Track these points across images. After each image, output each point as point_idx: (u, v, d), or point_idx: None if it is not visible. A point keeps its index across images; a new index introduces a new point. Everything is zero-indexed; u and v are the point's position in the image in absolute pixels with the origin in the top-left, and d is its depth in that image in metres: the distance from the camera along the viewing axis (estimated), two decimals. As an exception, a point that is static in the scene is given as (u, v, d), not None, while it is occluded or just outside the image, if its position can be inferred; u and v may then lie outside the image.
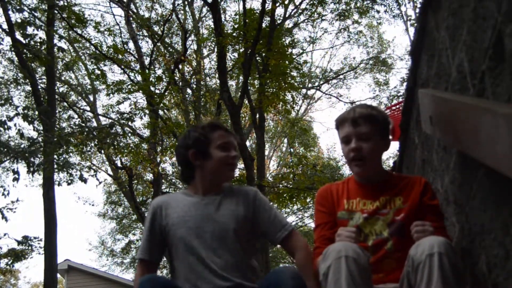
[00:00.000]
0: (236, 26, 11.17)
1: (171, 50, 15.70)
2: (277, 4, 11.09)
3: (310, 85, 18.79)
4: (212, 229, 1.89)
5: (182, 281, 1.86)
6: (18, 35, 9.46)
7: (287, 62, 11.41)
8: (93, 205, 19.40)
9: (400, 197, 1.77)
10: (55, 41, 10.80)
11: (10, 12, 9.24)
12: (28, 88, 12.80)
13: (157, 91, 11.72)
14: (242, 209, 1.95)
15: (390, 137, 1.86)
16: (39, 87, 11.12)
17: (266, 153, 17.76)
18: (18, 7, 8.52)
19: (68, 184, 9.85)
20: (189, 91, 15.31)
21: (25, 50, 9.49)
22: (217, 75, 11.89)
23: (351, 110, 1.83)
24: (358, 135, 1.77)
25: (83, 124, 11.10)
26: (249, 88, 11.17)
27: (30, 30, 9.18)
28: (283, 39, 12.47)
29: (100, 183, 11.45)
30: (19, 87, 14.00)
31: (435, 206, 1.76)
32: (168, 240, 1.95)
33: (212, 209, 1.94)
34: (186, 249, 1.88)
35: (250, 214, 1.96)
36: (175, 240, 1.91)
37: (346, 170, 17.03)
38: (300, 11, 14.34)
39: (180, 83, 14.43)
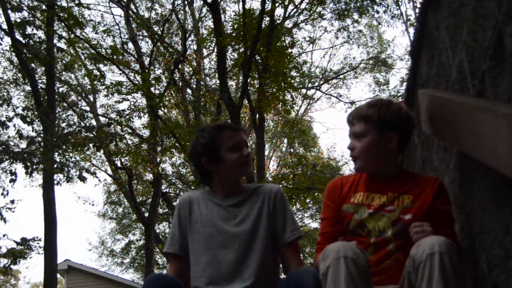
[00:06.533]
0: (236, 26, 11.16)
1: (171, 50, 15.70)
2: (277, 4, 11.08)
3: (310, 85, 18.78)
4: (231, 232, 1.89)
5: (199, 277, 1.87)
6: (17, 35, 9.45)
7: (286, 62, 11.39)
8: (93, 205, 19.43)
9: (410, 196, 1.75)
10: (55, 41, 10.78)
11: (9, 11, 9.21)
12: (28, 88, 12.79)
13: (157, 91, 11.71)
14: (263, 208, 1.94)
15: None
16: (39, 87, 11.11)
17: (266, 153, 17.75)
18: (17, 7, 8.50)
19: (68, 182, 9.85)
20: (189, 91, 15.31)
21: (24, 50, 9.47)
22: (217, 75, 11.88)
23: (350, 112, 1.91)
24: (353, 134, 1.83)
25: (81, 123, 11.09)
26: (249, 88, 11.15)
27: (29, 30, 9.17)
28: (283, 39, 12.46)
29: (100, 181, 11.48)
30: (18, 87, 13.99)
31: (447, 211, 1.72)
32: (188, 237, 1.96)
33: (233, 211, 1.93)
34: (203, 248, 1.89)
35: (271, 211, 1.94)
36: (193, 238, 1.93)
37: (346, 171, 17.07)
38: (299, 11, 14.34)
39: (180, 83, 14.43)
